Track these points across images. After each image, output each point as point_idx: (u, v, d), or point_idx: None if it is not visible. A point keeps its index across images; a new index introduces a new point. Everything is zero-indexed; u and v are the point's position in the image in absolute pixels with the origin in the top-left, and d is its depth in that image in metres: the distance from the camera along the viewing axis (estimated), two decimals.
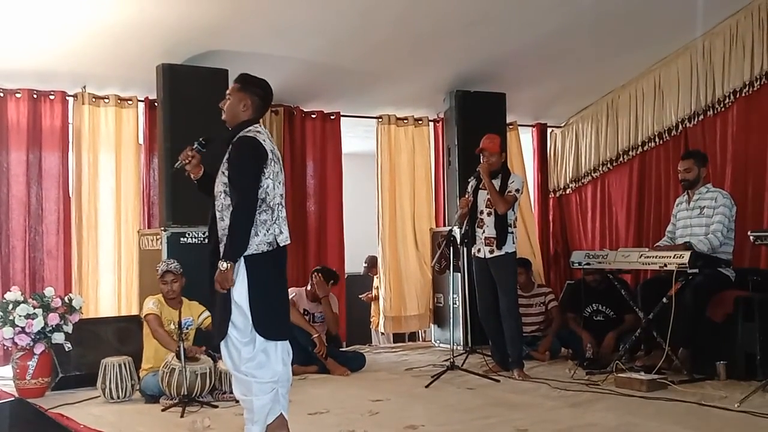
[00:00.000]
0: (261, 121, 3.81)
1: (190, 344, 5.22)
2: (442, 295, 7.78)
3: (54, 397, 5.35)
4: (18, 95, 6.55)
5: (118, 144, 6.85)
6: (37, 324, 5.28)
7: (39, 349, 5.34)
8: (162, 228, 6.20)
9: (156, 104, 6.61)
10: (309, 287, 6.57)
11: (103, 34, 5.86)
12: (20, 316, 5.25)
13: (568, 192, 8.69)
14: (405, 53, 6.84)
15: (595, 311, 6.64)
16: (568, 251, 8.18)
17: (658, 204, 7.37)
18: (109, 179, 6.82)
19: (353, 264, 8.84)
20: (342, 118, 7.92)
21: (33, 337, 5.31)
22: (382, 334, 8.49)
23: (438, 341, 7.93)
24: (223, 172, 3.63)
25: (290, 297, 5.58)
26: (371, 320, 8.79)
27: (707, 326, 5.54)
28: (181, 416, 4.64)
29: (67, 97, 6.72)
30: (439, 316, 7.89)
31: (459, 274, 7.01)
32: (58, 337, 5.36)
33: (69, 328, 5.44)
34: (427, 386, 5.50)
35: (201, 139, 3.84)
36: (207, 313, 5.36)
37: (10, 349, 5.62)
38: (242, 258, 3.51)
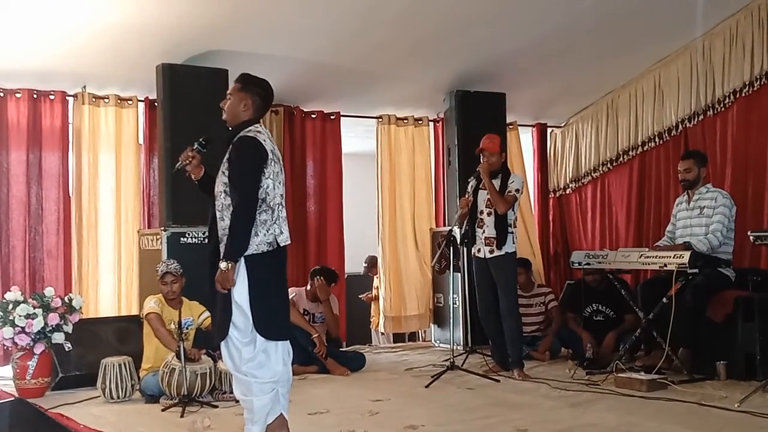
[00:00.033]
0: (261, 121, 3.80)
1: (190, 344, 5.22)
2: (442, 295, 7.78)
3: (54, 397, 5.35)
4: (18, 95, 6.55)
5: (118, 144, 6.85)
6: (37, 324, 5.28)
7: (39, 349, 5.34)
8: (162, 228, 6.19)
9: (156, 104, 6.62)
10: (309, 287, 6.57)
11: (103, 34, 5.86)
12: (20, 316, 5.25)
13: (568, 192, 8.69)
14: (405, 53, 6.84)
15: (595, 311, 6.64)
16: (568, 251, 8.18)
17: (658, 204, 7.37)
18: (109, 179, 6.82)
19: (353, 264, 8.84)
20: (342, 118, 7.92)
21: (33, 337, 5.31)
22: (382, 334, 8.49)
23: (438, 341, 7.93)
24: (224, 172, 3.63)
25: (290, 297, 5.58)
26: (371, 320, 8.79)
27: (707, 326, 5.53)
28: (181, 416, 4.64)
29: (67, 97, 6.73)
30: (439, 316, 7.90)
31: (459, 274, 7.01)
32: (58, 337, 5.36)
33: (69, 328, 5.44)
34: (427, 386, 5.50)
35: (201, 139, 3.84)
36: (207, 314, 5.36)
37: (10, 349, 5.62)
38: (242, 258, 3.51)
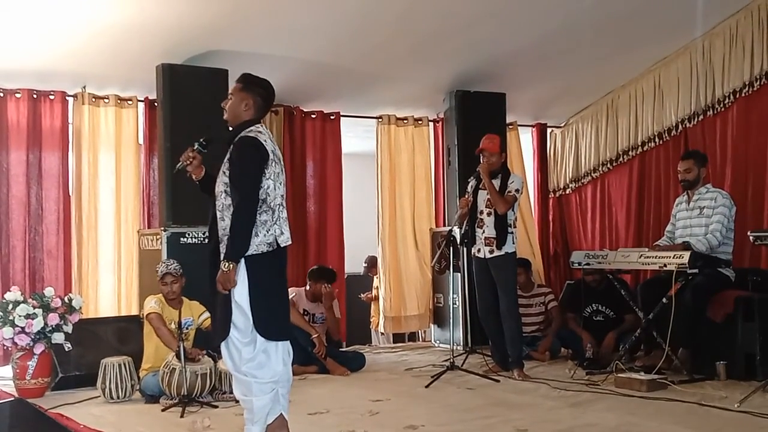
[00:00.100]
0: (261, 121, 3.80)
1: (190, 344, 5.22)
2: (442, 295, 7.78)
3: (54, 397, 5.35)
4: (18, 95, 6.55)
5: (118, 144, 6.86)
6: (37, 324, 5.28)
7: (39, 349, 5.34)
8: (162, 228, 6.19)
9: (156, 104, 6.61)
10: (308, 287, 6.56)
11: (103, 34, 5.86)
12: (20, 316, 5.25)
13: (567, 192, 8.69)
14: (405, 53, 6.84)
15: (595, 311, 6.64)
16: (567, 251, 8.18)
17: (658, 204, 7.37)
18: (109, 179, 6.82)
19: (353, 264, 8.84)
20: (342, 118, 7.92)
21: (33, 337, 5.30)
22: (382, 334, 8.49)
23: (438, 341, 7.93)
24: (224, 172, 3.63)
25: (290, 297, 5.58)
26: (371, 320, 8.79)
27: (707, 326, 5.54)
28: (181, 416, 4.64)
29: (67, 97, 6.73)
30: (439, 316, 7.89)
31: (459, 274, 7.02)
32: (57, 337, 5.36)
33: (69, 328, 5.44)
34: (427, 386, 5.50)
35: (202, 139, 3.84)
36: (207, 314, 5.36)
37: (10, 349, 5.62)
38: (243, 258, 3.51)
